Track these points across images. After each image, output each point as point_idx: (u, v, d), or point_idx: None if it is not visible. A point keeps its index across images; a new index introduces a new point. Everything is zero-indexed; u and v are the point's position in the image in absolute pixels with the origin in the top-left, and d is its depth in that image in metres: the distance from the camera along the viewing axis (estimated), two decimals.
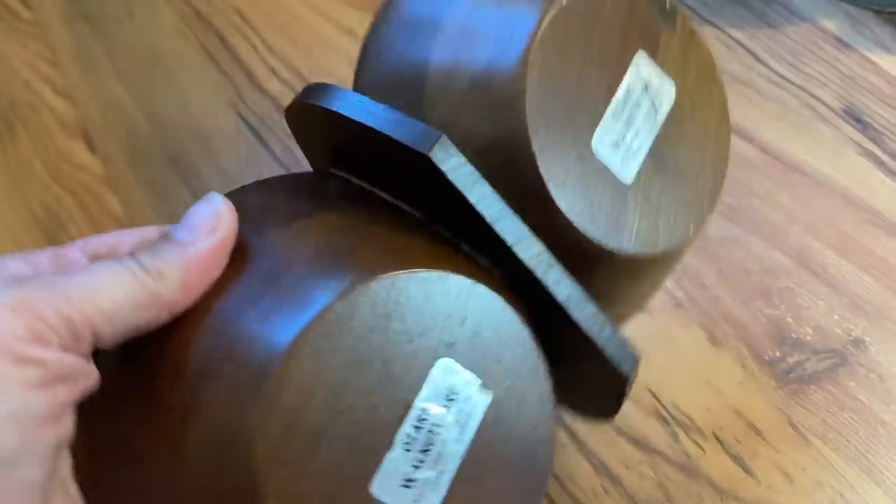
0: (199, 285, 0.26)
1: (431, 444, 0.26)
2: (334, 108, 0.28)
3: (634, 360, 0.29)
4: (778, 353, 0.46)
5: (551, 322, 0.29)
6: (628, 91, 0.31)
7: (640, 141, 0.31)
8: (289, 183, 0.32)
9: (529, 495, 0.27)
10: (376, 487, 0.25)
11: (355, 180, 0.31)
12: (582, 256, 0.30)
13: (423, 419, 0.26)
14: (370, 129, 0.27)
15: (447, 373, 0.26)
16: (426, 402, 0.26)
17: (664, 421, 0.43)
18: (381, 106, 0.28)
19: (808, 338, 0.46)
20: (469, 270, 0.27)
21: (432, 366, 0.26)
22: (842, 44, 0.61)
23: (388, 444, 0.25)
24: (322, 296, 0.25)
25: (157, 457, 0.25)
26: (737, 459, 0.42)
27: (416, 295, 0.26)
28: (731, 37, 0.61)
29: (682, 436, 0.42)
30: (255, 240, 0.27)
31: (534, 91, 0.29)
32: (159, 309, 0.25)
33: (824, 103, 0.57)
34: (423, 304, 0.26)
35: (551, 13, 0.29)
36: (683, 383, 0.44)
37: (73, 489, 0.24)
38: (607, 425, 0.42)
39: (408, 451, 0.25)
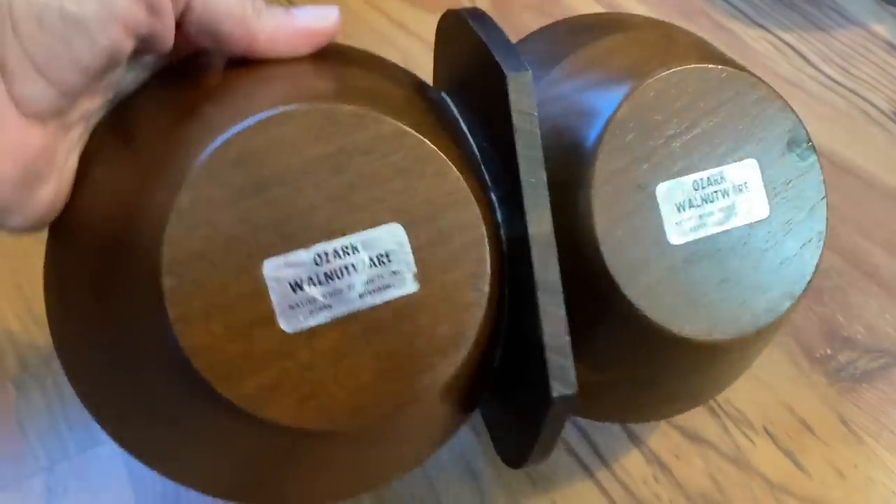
0: (273, 48, 0.29)
1: (338, 278, 0.26)
2: (471, 23, 0.30)
3: (569, 389, 0.28)
4: (829, 351, 0.45)
5: (516, 317, 0.29)
6: (715, 184, 0.31)
7: (717, 224, 0.31)
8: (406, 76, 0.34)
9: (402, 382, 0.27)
10: (269, 268, 0.26)
11: (452, 109, 0.32)
12: (654, 342, 0.30)
13: (347, 253, 0.26)
14: (486, 50, 0.29)
15: (394, 239, 0.27)
16: (360, 244, 0.27)
17: (714, 413, 0.43)
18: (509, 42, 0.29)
19: (860, 337, 0.46)
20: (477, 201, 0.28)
21: (386, 222, 0.27)
22: (892, 47, 0.61)
23: (304, 242, 0.26)
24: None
25: None
26: (788, 454, 0.41)
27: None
28: (781, 39, 0.61)
29: (732, 428, 0.42)
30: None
31: (602, 184, 0.30)
32: (238, 35, 0.28)
33: (875, 106, 0.57)
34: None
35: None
36: None
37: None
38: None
39: (317, 264, 0.26)
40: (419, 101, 0.31)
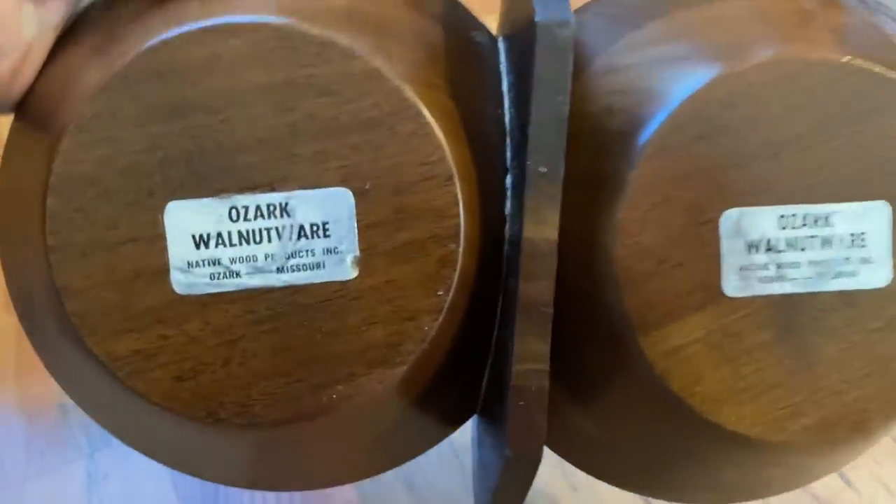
0: None
1: (255, 241, 0.21)
2: None
3: (529, 451, 0.21)
4: None
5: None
6: (815, 225, 0.22)
7: (803, 282, 0.22)
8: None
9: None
10: (172, 212, 0.21)
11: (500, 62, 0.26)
12: (674, 418, 0.23)
13: (273, 214, 0.21)
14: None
15: (338, 208, 0.21)
16: (291, 206, 0.21)
17: None
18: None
19: None
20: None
21: (331, 185, 0.21)
22: None
23: (220, 189, 0.21)
24: None
25: None
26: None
27: None
28: None
29: None
30: None
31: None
32: None
33: None
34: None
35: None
36: None
37: None
38: None
39: (232, 219, 0.21)
40: (445, 43, 0.24)
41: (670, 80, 0.22)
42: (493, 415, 0.25)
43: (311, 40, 0.21)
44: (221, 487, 0.37)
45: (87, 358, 0.21)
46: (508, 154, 0.24)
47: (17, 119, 0.24)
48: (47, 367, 0.25)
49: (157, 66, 0.20)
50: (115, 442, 0.29)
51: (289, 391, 0.21)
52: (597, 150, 0.23)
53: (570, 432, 0.25)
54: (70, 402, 0.30)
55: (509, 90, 0.24)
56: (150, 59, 0.20)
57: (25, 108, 0.23)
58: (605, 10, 0.25)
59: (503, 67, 0.25)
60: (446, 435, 0.27)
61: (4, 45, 0.23)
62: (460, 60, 0.24)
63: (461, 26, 0.25)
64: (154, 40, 0.21)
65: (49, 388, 0.41)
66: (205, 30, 0.20)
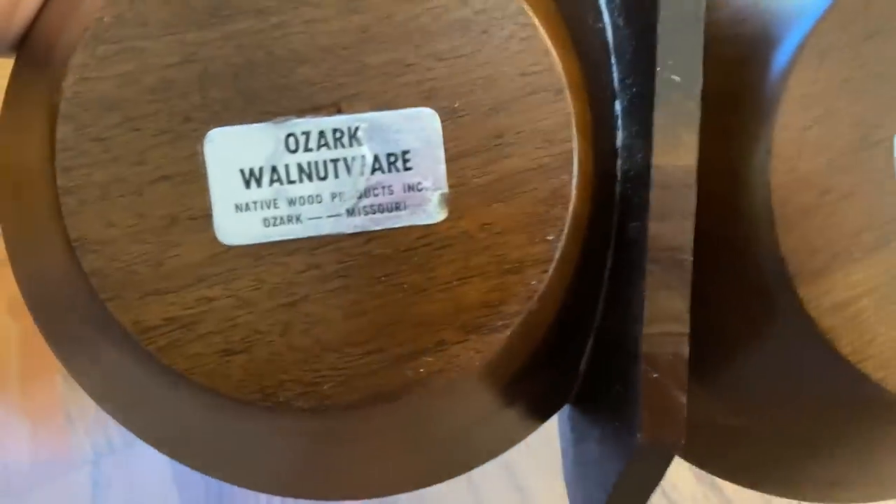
0: None
1: (318, 177, 0.17)
2: None
3: (670, 432, 0.17)
4: None
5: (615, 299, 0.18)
6: None
7: None
8: None
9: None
10: (215, 141, 0.16)
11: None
12: (842, 391, 0.18)
13: (340, 142, 0.17)
14: None
15: (421, 132, 0.17)
16: (363, 131, 0.17)
17: None
18: None
19: None
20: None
21: (412, 105, 0.17)
22: None
23: (274, 111, 0.17)
24: None
25: None
26: None
27: None
28: None
29: None
30: None
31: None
32: None
33: None
34: None
35: None
36: None
37: None
38: None
39: (290, 149, 0.17)
40: None
41: None
42: (601, 398, 0.20)
43: None
44: (226, 492, 0.37)
45: (109, 331, 0.17)
46: (615, 74, 0.19)
47: (18, 61, 0.20)
48: (60, 357, 0.20)
49: None
50: (120, 449, 0.26)
51: (364, 365, 0.17)
52: (730, 64, 0.18)
53: (692, 421, 0.21)
54: (75, 409, 0.27)
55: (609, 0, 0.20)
56: None
57: (29, 45, 0.19)
58: None
59: None
60: (530, 431, 0.22)
61: None
62: None
63: None
64: None
65: (54, 396, 0.40)
66: None
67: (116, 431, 0.39)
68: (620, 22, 0.19)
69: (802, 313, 0.17)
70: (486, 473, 0.35)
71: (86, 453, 0.39)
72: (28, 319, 0.20)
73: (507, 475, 0.40)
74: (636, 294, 0.17)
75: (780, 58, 0.17)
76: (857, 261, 0.17)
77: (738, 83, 0.18)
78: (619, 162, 0.19)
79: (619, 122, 0.19)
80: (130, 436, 0.37)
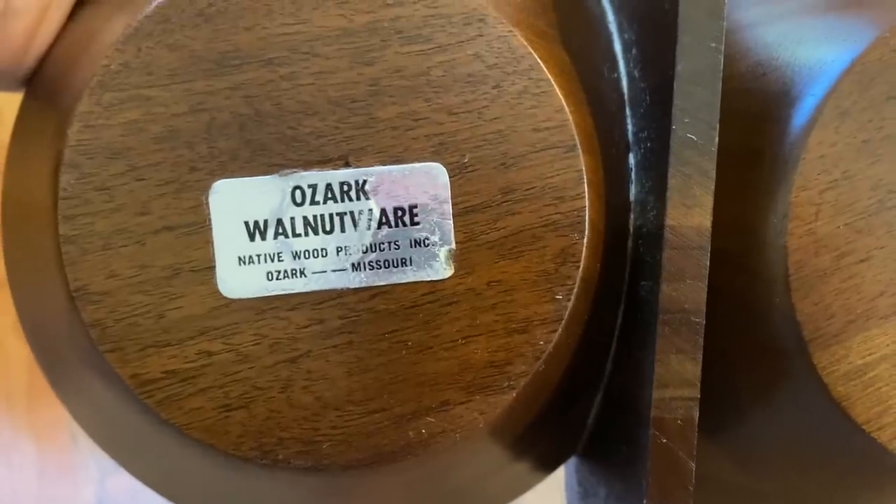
0: None
1: (324, 231, 0.16)
2: None
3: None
4: None
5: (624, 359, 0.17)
6: None
7: None
8: None
9: None
10: (220, 192, 0.16)
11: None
12: (855, 456, 0.18)
13: (347, 196, 0.16)
14: None
15: (429, 187, 0.16)
16: (371, 185, 0.16)
17: None
18: None
19: None
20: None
21: (421, 159, 0.16)
22: None
23: (280, 164, 0.16)
24: None
25: None
26: None
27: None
28: None
29: None
30: None
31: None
32: None
33: None
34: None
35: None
36: None
37: None
38: None
39: (296, 202, 0.16)
40: None
41: (844, 26, 0.18)
42: (607, 457, 0.20)
43: None
44: None
45: (108, 381, 0.17)
46: (630, 126, 0.19)
47: (27, 97, 0.20)
48: (61, 398, 0.20)
49: (202, 6, 0.16)
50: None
51: (365, 424, 0.16)
52: (748, 118, 0.18)
53: (702, 479, 0.20)
54: (80, 430, 0.26)
55: (625, 50, 0.20)
56: None
57: (39, 81, 0.19)
58: None
59: (612, 26, 0.21)
60: (535, 484, 0.22)
61: (17, 1, 0.19)
62: (571, 11, 0.19)
63: None
64: None
65: (60, 416, 0.40)
66: None
67: None
68: (636, 73, 0.19)
69: (816, 379, 0.17)
70: None
71: (91, 472, 0.40)
72: None
73: None
74: (647, 356, 0.17)
75: (800, 116, 0.17)
76: (873, 327, 0.17)
77: (756, 139, 0.18)
78: (631, 216, 0.18)
79: (633, 174, 0.19)
80: None
